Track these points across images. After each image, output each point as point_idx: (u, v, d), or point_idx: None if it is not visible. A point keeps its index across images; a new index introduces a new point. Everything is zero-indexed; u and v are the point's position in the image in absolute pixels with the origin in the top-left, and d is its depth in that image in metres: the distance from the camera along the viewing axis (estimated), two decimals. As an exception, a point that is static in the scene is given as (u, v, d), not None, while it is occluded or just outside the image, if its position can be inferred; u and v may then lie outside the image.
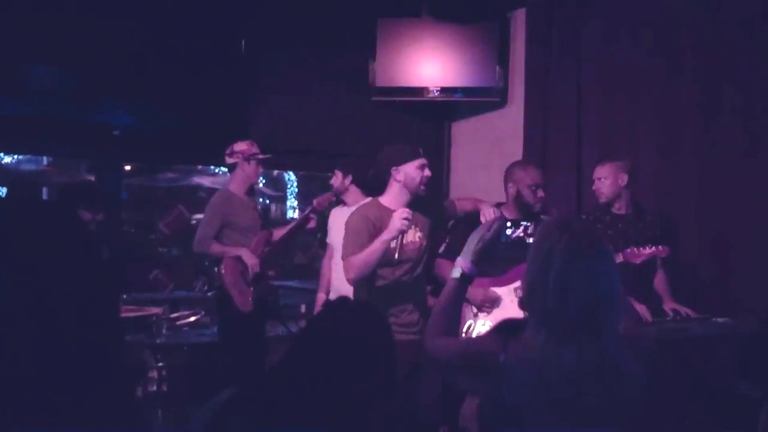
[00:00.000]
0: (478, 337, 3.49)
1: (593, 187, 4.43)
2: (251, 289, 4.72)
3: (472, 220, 4.29)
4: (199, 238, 4.81)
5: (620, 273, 1.88)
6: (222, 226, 4.77)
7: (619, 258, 3.92)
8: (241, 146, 4.83)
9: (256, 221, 4.90)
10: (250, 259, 4.69)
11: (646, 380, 1.82)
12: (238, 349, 4.69)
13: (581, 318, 1.75)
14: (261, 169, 4.99)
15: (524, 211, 4.01)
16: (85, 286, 1.07)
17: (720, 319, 4.14)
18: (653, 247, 3.93)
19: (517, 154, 5.87)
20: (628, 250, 3.93)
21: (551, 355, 1.77)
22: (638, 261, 3.93)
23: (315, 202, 4.99)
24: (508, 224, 2.20)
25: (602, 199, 4.36)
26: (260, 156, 4.85)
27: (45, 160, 8.76)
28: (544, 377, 1.77)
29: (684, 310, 4.20)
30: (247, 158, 4.82)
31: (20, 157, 8.62)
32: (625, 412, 1.81)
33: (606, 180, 4.32)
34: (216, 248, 4.75)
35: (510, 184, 4.14)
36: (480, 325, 3.89)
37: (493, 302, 3.88)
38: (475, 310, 3.96)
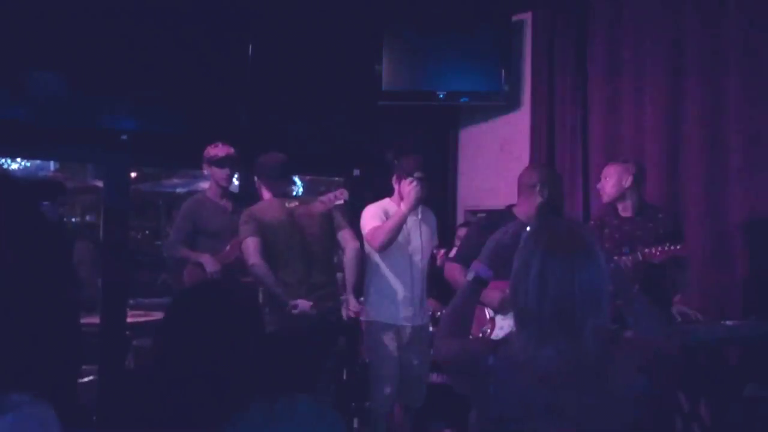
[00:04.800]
0: (473, 340, 3.48)
1: (597, 186, 4.46)
2: None
3: (483, 225, 4.30)
4: (169, 243, 4.87)
5: (609, 275, 1.84)
6: (194, 231, 4.70)
7: (639, 257, 3.92)
8: (205, 151, 4.72)
9: (230, 226, 4.61)
10: (211, 266, 4.50)
11: (646, 391, 1.77)
12: None
13: (558, 317, 1.73)
14: (226, 170, 4.71)
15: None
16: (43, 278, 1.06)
17: (728, 322, 4.13)
18: (673, 246, 3.93)
19: (525, 158, 5.88)
20: (647, 250, 3.92)
21: (530, 356, 1.76)
22: (657, 260, 3.94)
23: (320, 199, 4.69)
24: (528, 229, 2.20)
25: (605, 199, 4.38)
26: (215, 157, 4.66)
27: (52, 165, 8.78)
28: (526, 378, 1.76)
29: (693, 313, 4.19)
30: (208, 162, 4.72)
31: (27, 163, 8.63)
32: (611, 419, 1.76)
33: (610, 179, 4.33)
34: (182, 253, 4.68)
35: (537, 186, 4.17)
36: (498, 329, 3.85)
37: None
38: (491, 313, 3.93)
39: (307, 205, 4.33)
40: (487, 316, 3.95)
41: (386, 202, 4.37)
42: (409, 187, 4.12)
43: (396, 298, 4.28)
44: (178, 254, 4.73)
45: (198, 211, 4.73)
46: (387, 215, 4.26)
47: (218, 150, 4.69)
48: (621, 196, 4.32)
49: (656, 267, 4.00)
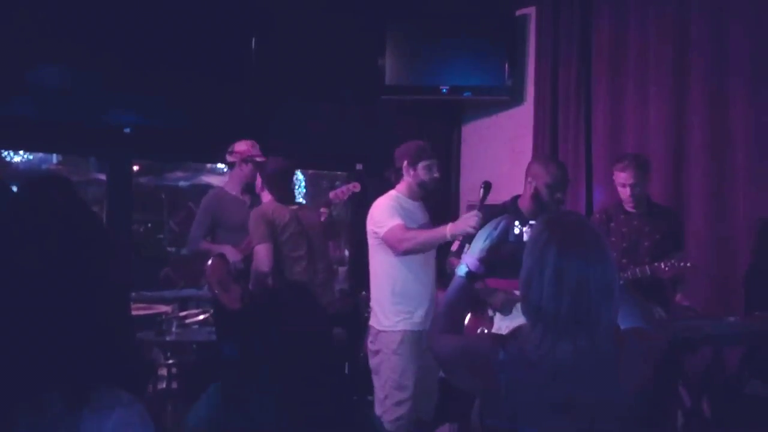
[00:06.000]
0: (479, 335, 3.48)
1: (625, 193, 4.22)
2: (239, 286, 4.58)
3: (483, 219, 4.25)
4: (190, 238, 4.93)
5: (617, 267, 1.85)
6: (214, 225, 4.80)
7: (647, 272, 3.88)
8: (240, 146, 4.80)
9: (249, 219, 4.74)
10: (233, 256, 4.59)
11: (649, 381, 1.80)
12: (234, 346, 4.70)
13: (576, 311, 1.73)
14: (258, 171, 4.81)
15: (540, 209, 3.89)
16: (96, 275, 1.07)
17: (731, 318, 4.13)
18: (681, 263, 3.88)
19: (528, 152, 5.87)
20: (655, 264, 3.89)
21: (546, 351, 1.76)
22: (667, 276, 3.91)
23: (331, 194, 4.76)
24: (516, 223, 2.20)
25: (630, 206, 4.23)
26: (258, 159, 4.76)
27: (54, 158, 8.79)
28: (540, 374, 1.76)
29: (696, 311, 4.18)
30: (245, 159, 4.79)
31: (30, 156, 8.64)
32: (623, 411, 1.78)
33: (637, 186, 4.17)
34: (203, 246, 4.78)
35: (529, 179, 3.99)
36: (495, 330, 3.83)
37: (514, 304, 3.78)
38: (491, 312, 3.91)
39: (305, 207, 4.53)
40: (489, 314, 3.94)
41: (397, 195, 3.97)
42: (469, 216, 3.53)
43: (422, 302, 3.88)
44: (199, 248, 4.83)
45: (217, 205, 4.83)
46: (403, 210, 3.87)
47: (252, 149, 4.78)
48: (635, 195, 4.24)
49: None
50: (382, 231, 3.82)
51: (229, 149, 4.85)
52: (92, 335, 1.07)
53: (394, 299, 3.85)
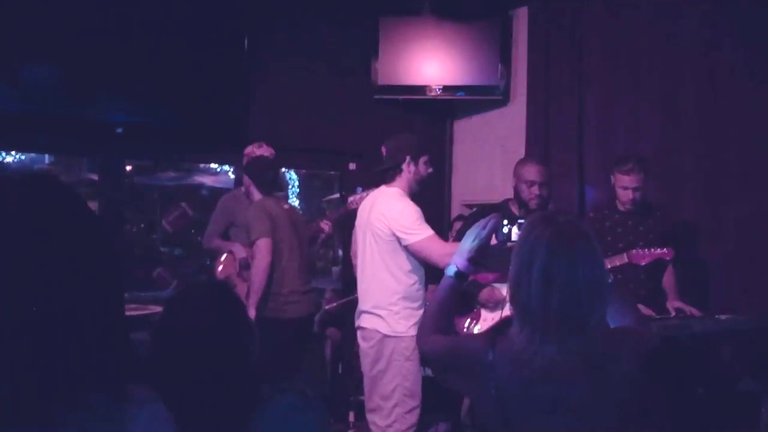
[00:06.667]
0: (469, 335, 3.49)
1: (627, 195, 4.22)
2: (245, 284, 4.65)
3: (476, 220, 4.27)
4: (205, 236, 5.17)
5: (610, 269, 1.86)
6: (229, 225, 4.98)
7: (624, 259, 3.91)
8: (248, 149, 4.87)
9: None
10: (241, 253, 4.73)
11: (640, 379, 1.80)
12: None
13: (564, 312, 1.74)
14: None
15: (523, 207, 4.01)
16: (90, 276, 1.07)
17: (722, 316, 4.14)
18: (659, 249, 3.91)
19: (520, 152, 5.88)
20: (634, 251, 3.90)
21: (535, 351, 1.76)
22: (643, 263, 3.92)
23: (350, 199, 4.75)
24: (505, 222, 2.23)
25: (627, 206, 4.25)
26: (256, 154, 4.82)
27: (47, 158, 8.75)
28: (529, 373, 1.76)
29: (689, 309, 4.19)
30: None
31: (22, 156, 8.60)
32: (614, 410, 1.79)
33: (640, 190, 4.19)
34: (215, 244, 4.98)
35: (514, 179, 4.13)
36: (482, 321, 3.88)
37: (497, 303, 3.82)
38: (476, 307, 3.94)
39: (295, 211, 4.68)
40: (475, 308, 3.96)
41: (404, 194, 3.78)
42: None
43: (422, 304, 3.75)
44: (212, 245, 5.07)
45: (233, 206, 5.00)
46: None
47: (259, 149, 4.83)
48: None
49: (646, 265, 3.99)
50: (413, 239, 3.60)
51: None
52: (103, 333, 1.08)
53: (405, 303, 3.68)
